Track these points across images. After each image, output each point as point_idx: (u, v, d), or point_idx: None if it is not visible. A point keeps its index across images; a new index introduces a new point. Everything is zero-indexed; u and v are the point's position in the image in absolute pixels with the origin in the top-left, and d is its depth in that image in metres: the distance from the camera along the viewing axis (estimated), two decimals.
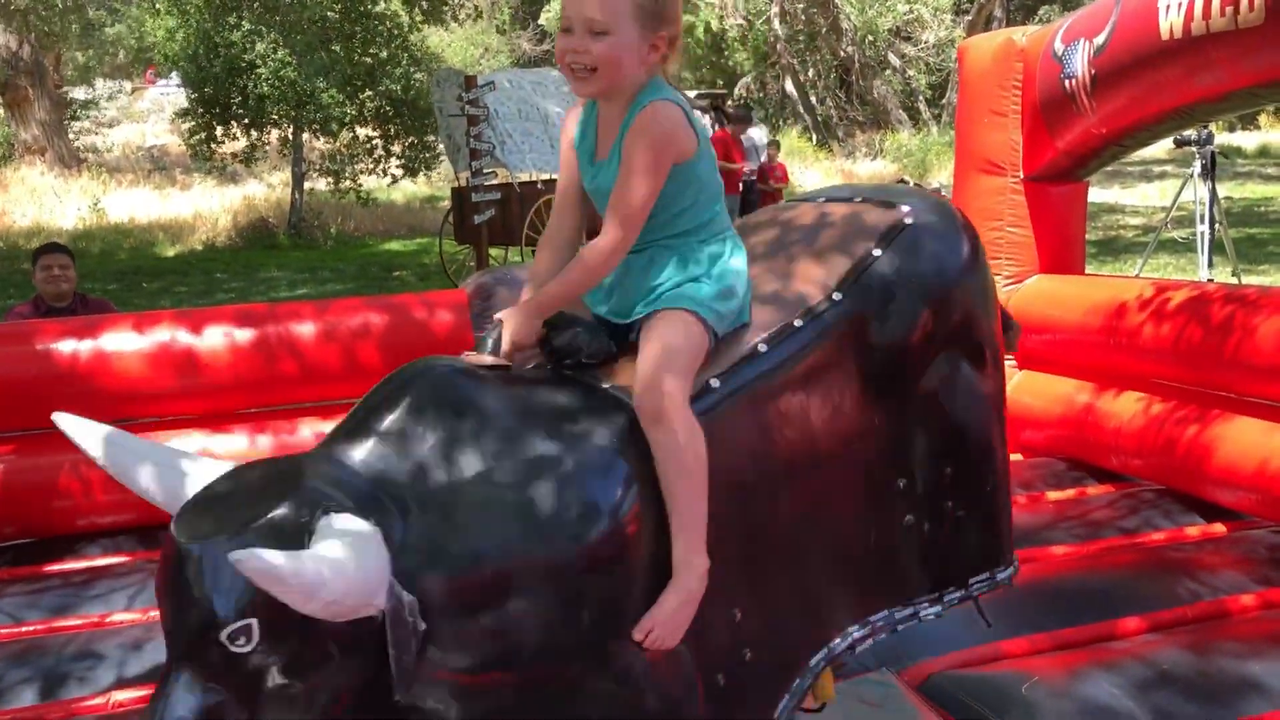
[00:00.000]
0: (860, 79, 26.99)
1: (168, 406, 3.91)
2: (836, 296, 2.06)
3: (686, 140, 1.85)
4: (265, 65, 14.38)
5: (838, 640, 2.15)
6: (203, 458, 1.75)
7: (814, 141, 25.39)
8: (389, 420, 1.67)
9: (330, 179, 16.33)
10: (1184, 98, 3.76)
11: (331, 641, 1.49)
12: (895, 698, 2.72)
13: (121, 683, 2.81)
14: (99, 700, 2.75)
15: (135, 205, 18.76)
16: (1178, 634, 2.89)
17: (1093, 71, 3.98)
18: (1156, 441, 3.90)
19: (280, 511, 1.50)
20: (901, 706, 2.68)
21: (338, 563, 1.42)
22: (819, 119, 26.65)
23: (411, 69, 15.79)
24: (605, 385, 1.84)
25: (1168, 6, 3.60)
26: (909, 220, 2.18)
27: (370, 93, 15.50)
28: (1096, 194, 18.76)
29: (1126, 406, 4.08)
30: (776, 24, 25.83)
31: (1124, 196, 19.14)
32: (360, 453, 1.64)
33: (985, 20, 23.51)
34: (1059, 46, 4.15)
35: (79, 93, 25.70)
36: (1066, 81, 4.12)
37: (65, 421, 1.72)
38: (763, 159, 14.05)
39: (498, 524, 1.64)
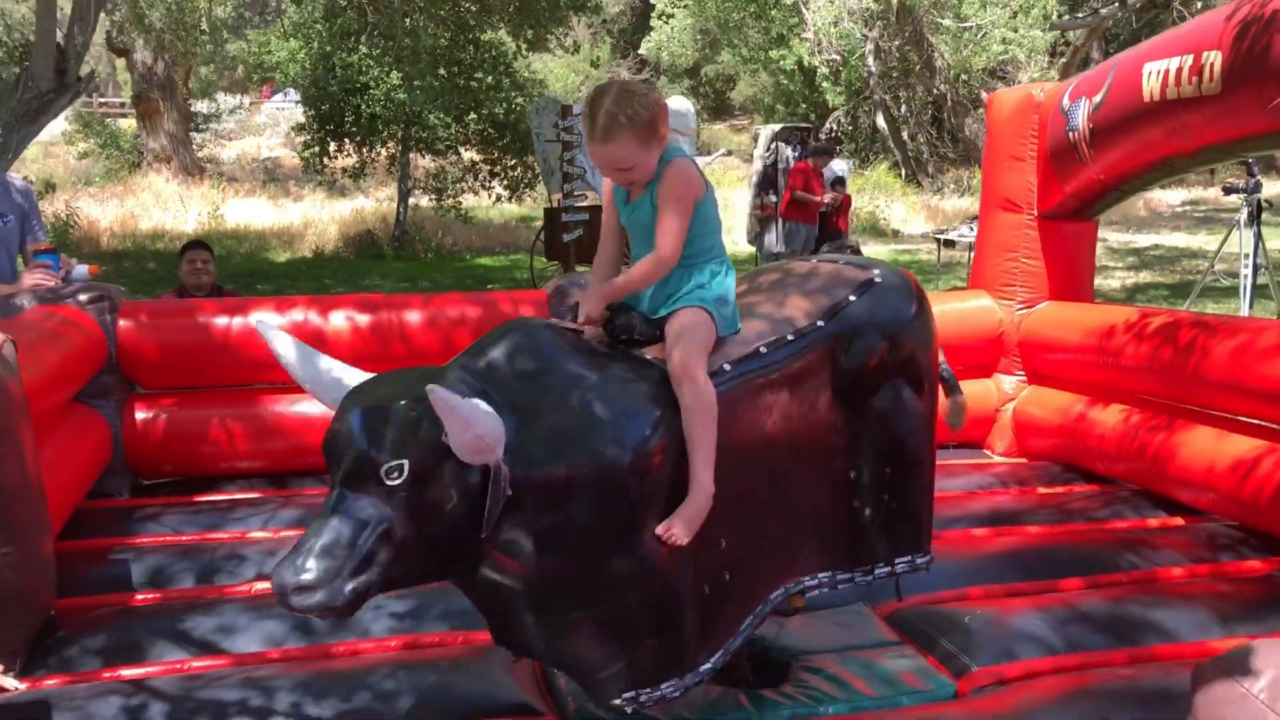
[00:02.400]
0: (952, 116, 27.33)
1: None
2: (820, 323, 2.75)
3: (700, 185, 2.57)
4: (378, 87, 15.47)
5: (792, 584, 2.84)
6: (351, 367, 2.45)
7: (902, 177, 25.81)
8: (496, 351, 2.36)
9: (433, 196, 17.37)
10: (1163, 151, 4.37)
11: (452, 489, 2.16)
12: (866, 623, 3.39)
13: (260, 576, 3.62)
14: (243, 588, 3.55)
15: (251, 213, 20.02)
16: (1107, 591, 3.52)
17: (1091, 126, 4.61)
18: (1132, 447, 4.49)
19: (447, 387, 2.11)
20: (868, 628, 3.36)
21: (488, 414, 2.12)
22: (909, 154, 27.06)
23: (514, 94, 16.75)
24: (647, 355, 2.57)
25: (1149, 73, 4.23)
26: (877, 280, 2.89)
27: (475, 116, 16.51)
28: (1181, 239, 18.98)
29: (1111, 417, 4.68)
30: (870, 60, 26.31)
31: (1210, 242, 19.28)
32: (478, 370, 2.32)
33: (1080, 63, 23.75)
34: (1066, 102, 4.79)
35: (202, 106, 27.34)
36: (1071, 134, 4.75)
37: (260, 324, 2.45)
38: (846, 190, 14.65)
39: (565, 435, 2.30)
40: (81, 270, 4.53)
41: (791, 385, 2.70)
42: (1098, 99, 4.56)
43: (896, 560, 2.97)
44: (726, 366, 2.57)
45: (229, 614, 3.27)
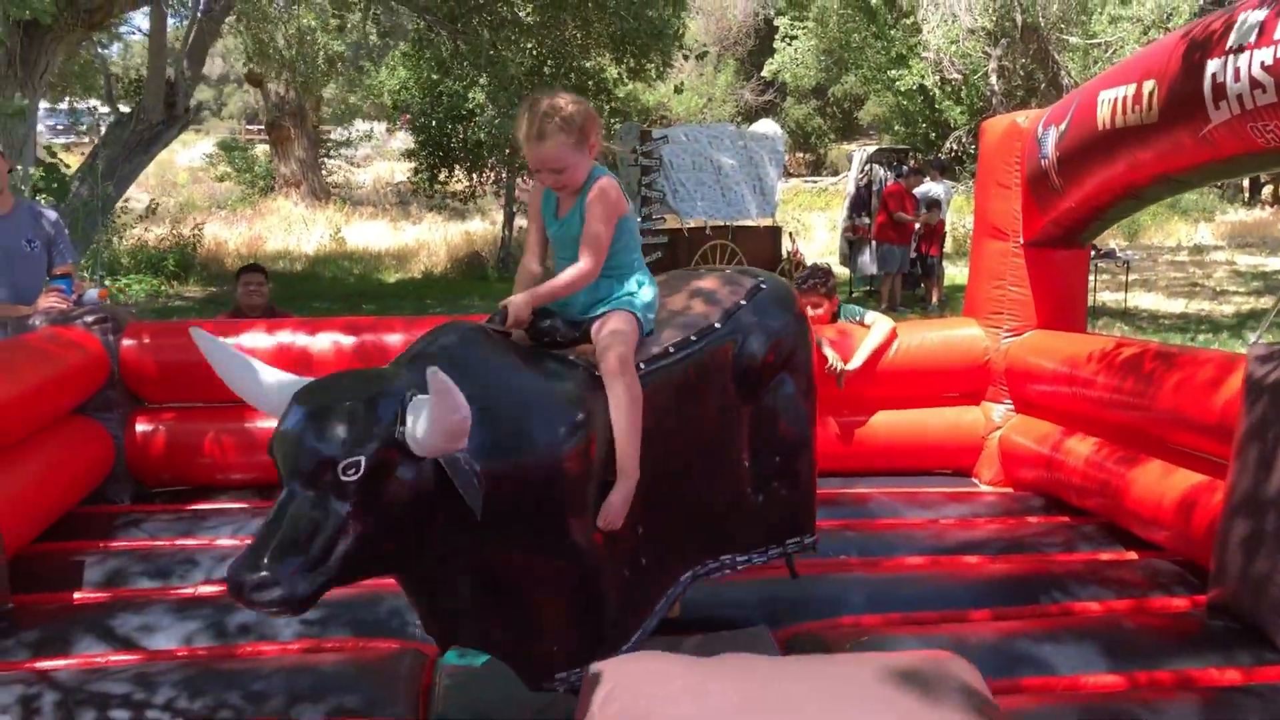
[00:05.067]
0: None
1: None
2: (717, 325, 3.05)
3: (623, 203, 2.78)
4: (482, 114, 15.99)
5: (699, 567, 3.09)
6: (289, 374, 2.50)
7: None
8: (434, 351, 2.46)
9: None
10: (1122, 181, 4.28)
11: (405, 483, 2.21)
12: (760, 644, 3.45)
13: (207, 580, 3.89)
14: (188, 590, 3.83)
15: (370, 235, 20.86)
16: (1011, 623, 3.48)
17: (1057, 154, 4.55)
18: (1099, 480, 4.40)
19: (388, 388, 2.27)
20: (762, 651, 3.40)
21: (465, 401, 2.16)
22: None
23: (614, 121, 17.06)
24: (570, 356, 2.76)
25: (1102, 101, 4.17)
26: (763, 286, 3.22)
27: None
28: None
29: (1084, 449, 4.59)
30: (994, 79, 25.81)
31: None
32: (416, 369, 2.35)
33: None
34: (1040, 130, 4.73)
35: (338, 133, 28.61)
36: (1043, 161, 4.70)
37: (195, 332, 2.53)
38: (943, 215, 14.45)
39: (502, 428, 2.41)
40: (92, 294, 4.92)
41: (695, 381, 2.95)
42: (1062, 127, 4.50)
43: (787, 541, 3.29)
44: (642, 365, 2.79)
45: (155, 614, 3.53)
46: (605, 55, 17.35)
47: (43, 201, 8.99)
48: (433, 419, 2.14)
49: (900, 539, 4.32)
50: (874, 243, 14.16)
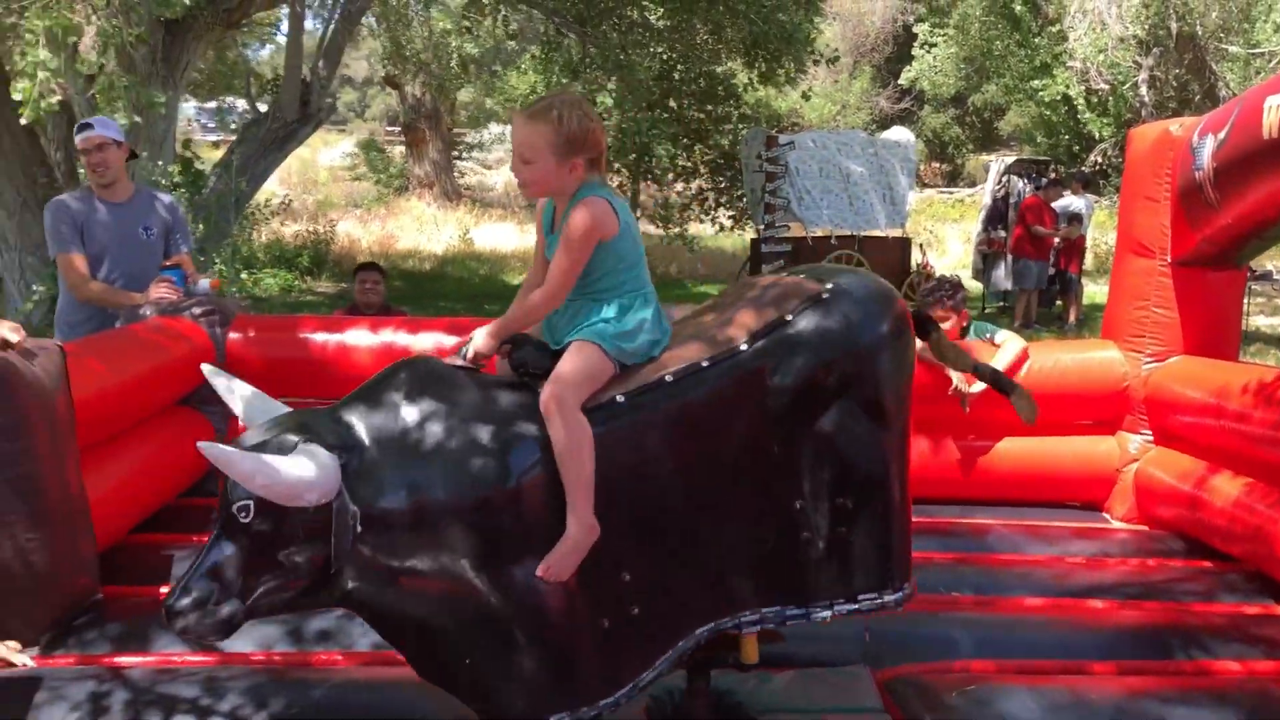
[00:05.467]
0: None
1: None
2: (742, 347, 2.61)
3: (607, 226, 2.53)
4: (610, 119, 15.94)
5: (727, 619, 2.70)
6: (279, 404, 2.58)
7: None
8: (378, 391, 2.45)
9: (660, 224, 17.70)
10: None
11: (299, 525, 2.26)
12: (859, 686, 3.19)
13: None
14: None
15: (498, 237, 21.07)
16: (1138, 679, 3.15)
17: (1214, 165, 4.17)
18: (1247, 523, 4.00)
19: (286, 438, 2.29)
20: (858, 692, 3.16)
21: (292, 463, 2.20)
22: None
23: (741, 126, 16.83)
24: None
25: (1269, 108, 3.78)
26: (825, 295, 2.67)
27: (702, 146, 16.70)
28: None
29: (1228, 488, 4.19)
30: (1144, 90, 24.76)
31: None
32: (352, 410, 2.41)
33: None
34: (1195, 139, 4.35)
35: (472, 136, 29.05)
36: (1196, 174, 4.31)
37: (207, 369, 2.62)
38: (1084, 230, 13.84)
39: (431, 468, 2.35)
40: (204, 284, 4.93)
41: (704, 413, 2.59)
42: (1222, 135, 4.12)
43: (861, 597, 2.73)
44: (620, 398, 2.53)
45: None
46: (736, 60, 17.14)
47: (179, 197, 9.23)
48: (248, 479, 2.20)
49: (1019, 577, 4.01)
50: (1009, 257, 13.61)
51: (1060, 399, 4.84)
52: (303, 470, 2.23)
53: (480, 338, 2.57)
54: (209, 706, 2.87)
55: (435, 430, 2.38)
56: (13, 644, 3.21)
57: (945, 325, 5.03)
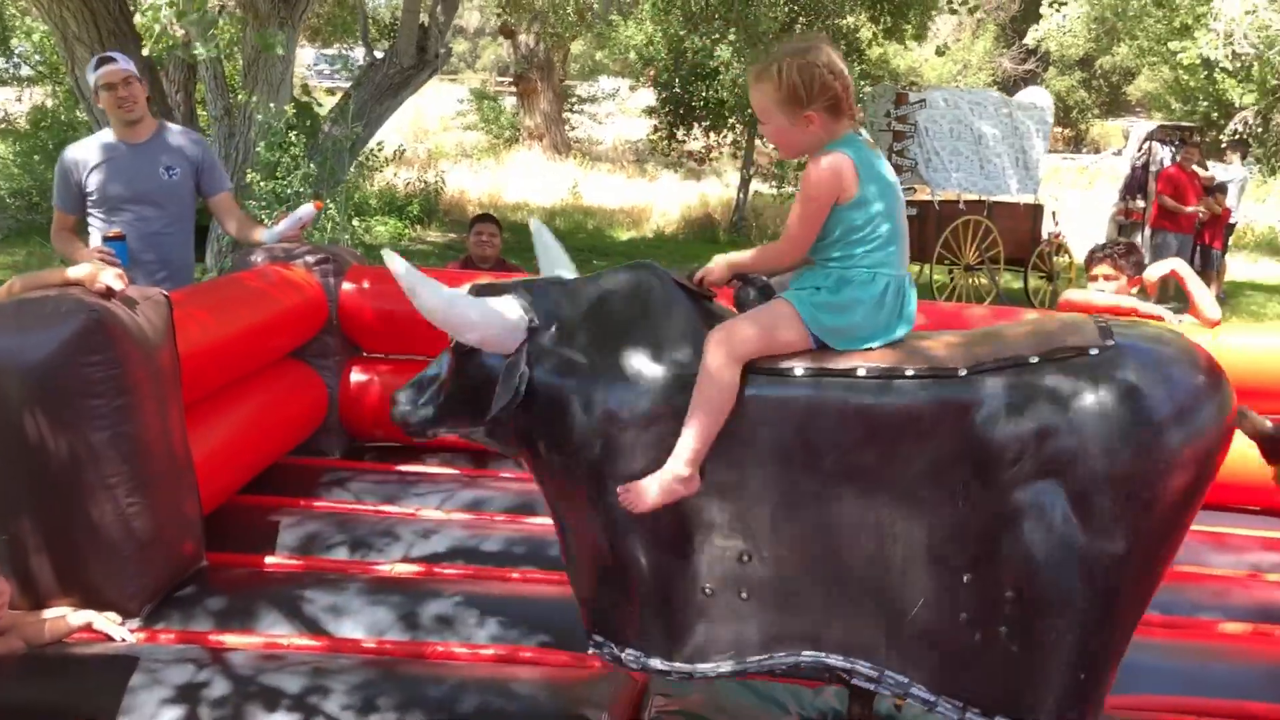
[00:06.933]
0: None
1: None
2: (962, 373, 2.23)
3: (844, 185, 2.26)
4: (726, 72, 15.43)
5: (839, 658, 2.36)
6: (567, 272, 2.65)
7: None
8: (600, 280, 2.48)
9: (774, 183, 17.18)
10: None
11: (480, 365, 2.43)
12: None
13: (405, 558, 3.55)
14: (384, 567, 3.49)
15: (607, 191, 20.74)
16: None
17: None
18: None
19: (504, 290, 2.45)
20: None
21: (479, 306, 2.38)
22: None
23: (863, 84, 16.18)
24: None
25: None
26: (1094, 351, 2.19)
27: None
28: None
29: None
30: None
31: None
32: (568, 286, 2.49)
33: None
34: None
35: (584, 89, 28.67)
36: None
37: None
38: (1230, 202, 12.98)
39: (599, 367, 2.35)
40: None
41: (889, 424, 2.24)
42: None
43: (995, 715, 2.26)
44: (799, 370, 2.29)
45: (348, 595, 3.19)
46: (861, 13, 16.47)
47: (298, 141, 9.09)
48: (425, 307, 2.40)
49: (1210, 595, 3.54)
50: (1148, 230, 12.81)
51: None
52: (467, 310, 2.37)
53: (715, 263, 2.51)
54: (315, 705, 2.59)
55: (626, 334, 2.38)
56: (112, 615, 2.99)
57: (1112, 286, 4.57)
